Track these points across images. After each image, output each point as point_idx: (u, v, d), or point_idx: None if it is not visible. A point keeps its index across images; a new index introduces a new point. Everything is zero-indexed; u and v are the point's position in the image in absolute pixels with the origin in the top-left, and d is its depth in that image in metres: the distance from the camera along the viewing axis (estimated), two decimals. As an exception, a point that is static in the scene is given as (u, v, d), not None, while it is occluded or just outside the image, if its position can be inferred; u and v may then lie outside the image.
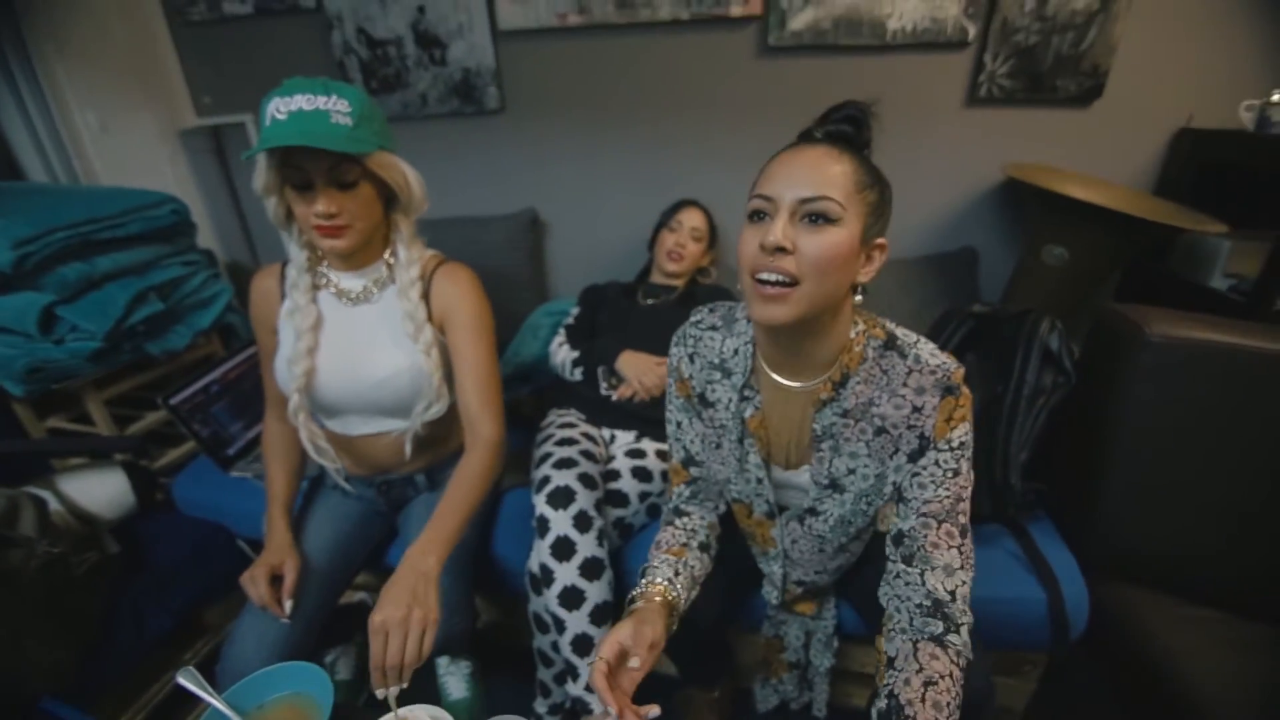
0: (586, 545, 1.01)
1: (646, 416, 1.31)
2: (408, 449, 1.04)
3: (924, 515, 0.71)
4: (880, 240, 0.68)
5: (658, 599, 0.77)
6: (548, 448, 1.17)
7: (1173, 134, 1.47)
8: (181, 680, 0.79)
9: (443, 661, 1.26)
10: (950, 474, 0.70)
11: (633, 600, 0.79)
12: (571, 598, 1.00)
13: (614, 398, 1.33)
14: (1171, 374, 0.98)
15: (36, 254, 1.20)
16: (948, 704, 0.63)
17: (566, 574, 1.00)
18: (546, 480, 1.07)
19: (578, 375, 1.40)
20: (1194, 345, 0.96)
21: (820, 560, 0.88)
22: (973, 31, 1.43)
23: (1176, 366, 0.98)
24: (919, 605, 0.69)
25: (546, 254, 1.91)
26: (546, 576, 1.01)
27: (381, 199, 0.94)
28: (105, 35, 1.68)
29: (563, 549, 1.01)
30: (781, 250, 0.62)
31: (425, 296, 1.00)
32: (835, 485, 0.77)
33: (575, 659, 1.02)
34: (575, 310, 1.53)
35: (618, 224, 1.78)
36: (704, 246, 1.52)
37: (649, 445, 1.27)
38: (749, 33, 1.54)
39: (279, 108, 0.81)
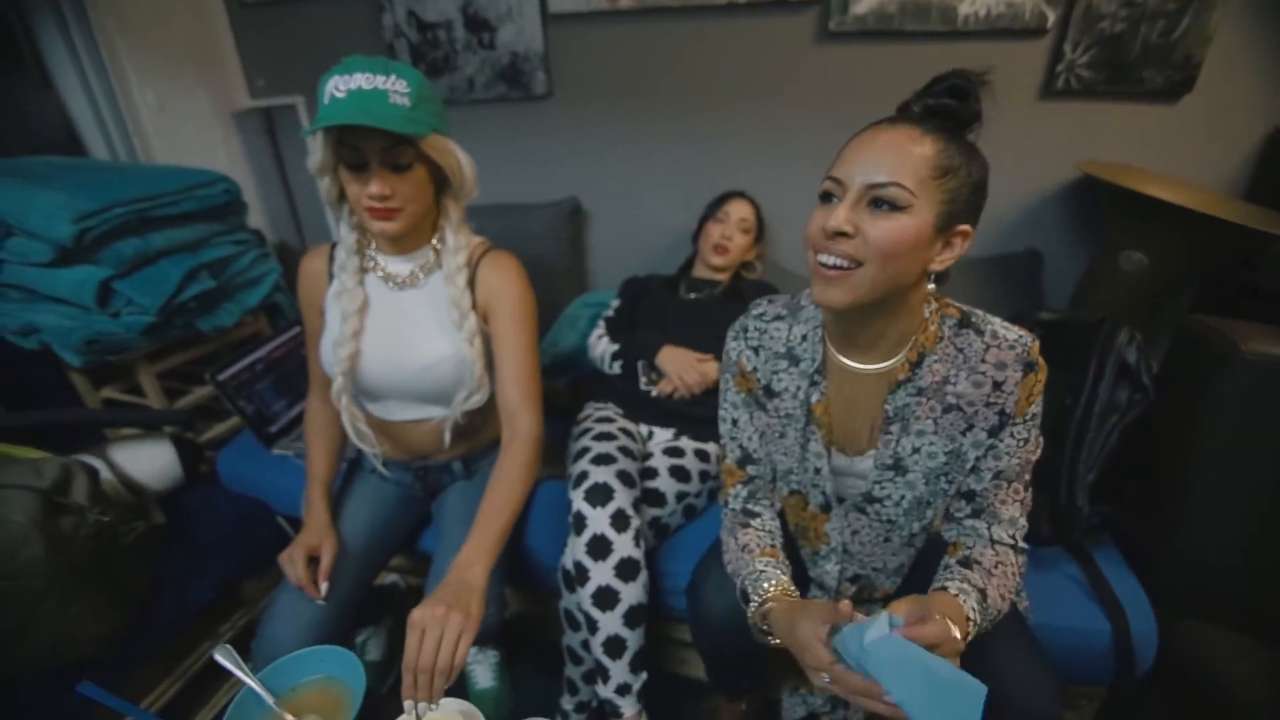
0: (623, 545, 0.99)
1: (686, 414, 1.28)
2: (447, 437, 1.03)
3: (997, 478, 0.74)
4: (963, 227, 0.65)
5: (790, 598, 0.75)
6: (585, 441, 1.15)
7: (1268, 134, 1.35)
8: (219, 658, 0.80)
9: (471, 650, 1.27)
10: (1022, 443, 0.72)
11: (754, 621, 0.76)
12: (606, 598, 0.98)
13: (653, 393, 1.29)
14: (1266, 395, 0.90)
15: (96, 229, 1.22)
16: (1013, 576, 0.73)
17: (602, 573, 0.98)
18: (585, 476, 1.04)
19: (616, 369, 1.37)
20: (1295, 365, 0.88)
21: (884, 553, 0.84)
22: (1052, 18, 1.34)
23: (1273, 388, 0.89)
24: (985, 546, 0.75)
25: (587, 244, 1.88)
26: (581, 574, 0.99)
27: (433, 183, 0.93)
28: (165, 14, 1.71)
29: (599, 548, 0.99)
30: (842, 235, 0.62)
31: (470, 283, 0.98)
32: (898, 466, 0.76)
33: (606, 660, 1.00)
34: (615, 302, 1.50)
35: (662, 215, 1.74)
36: (751, 239, 1.48)
37: (687, 444, 1.24)
38: (809, 17, 1.47)
39: (338, 85, 0.80)
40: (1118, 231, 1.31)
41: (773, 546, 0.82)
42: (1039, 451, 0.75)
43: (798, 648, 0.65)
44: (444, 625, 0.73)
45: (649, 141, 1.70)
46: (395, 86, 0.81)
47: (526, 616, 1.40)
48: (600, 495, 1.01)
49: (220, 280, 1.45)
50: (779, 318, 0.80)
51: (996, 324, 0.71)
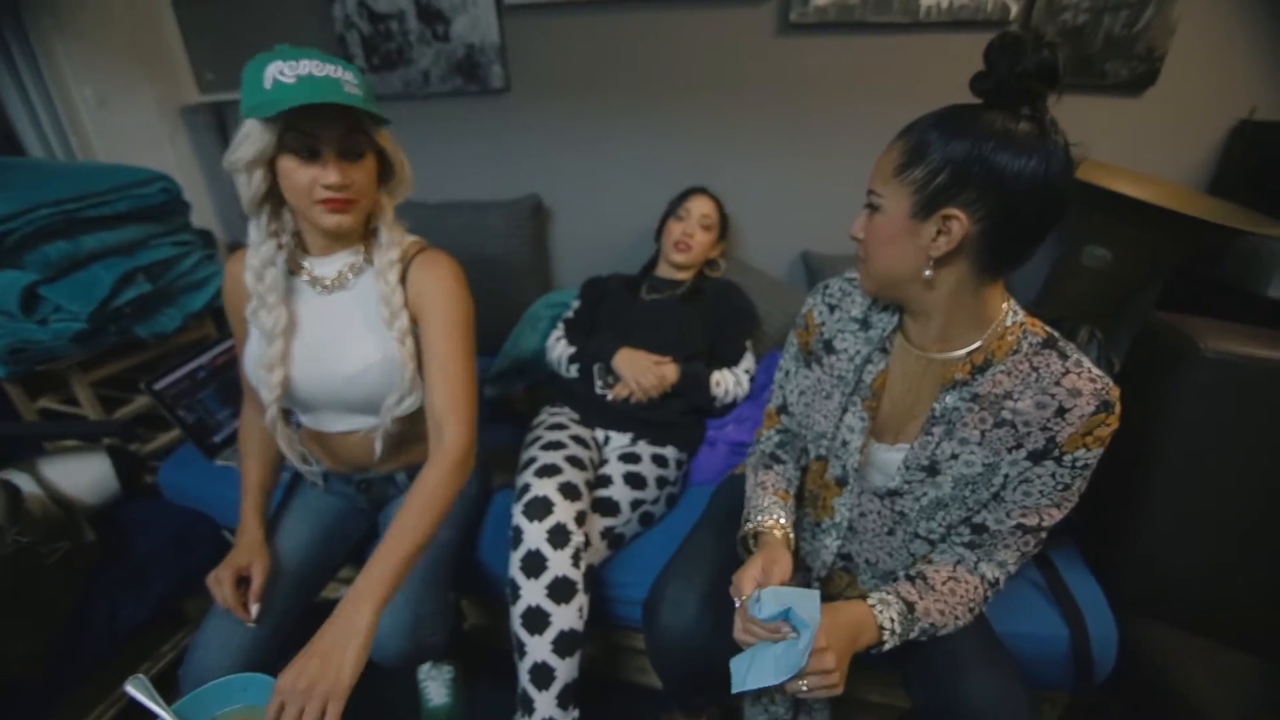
0: (559, 563, 0.94)
1: (644, 419, 1.24)
2: (377, 447, 0.96)
3: (1018, 524, 0.72)
4: (948, 210, 0.62)
5: (778, 534, 0.80)
6: (533, 451, 1.11)
7: (1232, 127, 1.34)
8: (130, 689, 0.75)
9: (424, 666, 1.22)
10: (1061, 487, 0.69)
11: (744, 538, 0.83)
12: (535, 620, 0.93)
13: (609, 398, 1.25)
14: (1226, 395, 0.88)
15: (18, 231, 1.16)
16: (965, 597, 0.74)
17: (533, 593, 0.93)
18: (526, 489, 1.00)
19: (573, 372, 1.33)
20: (1254, 364, 0.86)
21: (883, 546, 0.83)
22: (1015, 9, 1.32)
23: (1232, 387, 0.88)
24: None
25: (550, 242, 1.83)
26: (514, 592, 0.95)
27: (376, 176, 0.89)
28: (104, 9, 1.63)
29: (533, 564, 0.94)
30: (856, 239, 0.72)
31: (402, 282, 0.92)
32: (932, 468, 0.74)
33: (532, 690, 0.94)
34: (575, 304, 1.46)
35: (625, 212, 1.70)
36: (714, 236, 1.44)
37: (645, 449, 1.20)
38: (770, 9, 1.44)
39: (283, 71, 0.75)
40: (1081, 227, 1.30)
41: (786, 491, 0.87)
42: (1065, 511, 0.72)
43: (741, 568, 0.74)
44: (305, 700, 0.67)
45: (610, 136, 1.65)
46: (345, 77, 0.78)
47: (484, 628, 1.36)
48: (539, 509, 0.97)
49: (159, 284, 1.38)
50: None
51: (1082, 357, 0.68)
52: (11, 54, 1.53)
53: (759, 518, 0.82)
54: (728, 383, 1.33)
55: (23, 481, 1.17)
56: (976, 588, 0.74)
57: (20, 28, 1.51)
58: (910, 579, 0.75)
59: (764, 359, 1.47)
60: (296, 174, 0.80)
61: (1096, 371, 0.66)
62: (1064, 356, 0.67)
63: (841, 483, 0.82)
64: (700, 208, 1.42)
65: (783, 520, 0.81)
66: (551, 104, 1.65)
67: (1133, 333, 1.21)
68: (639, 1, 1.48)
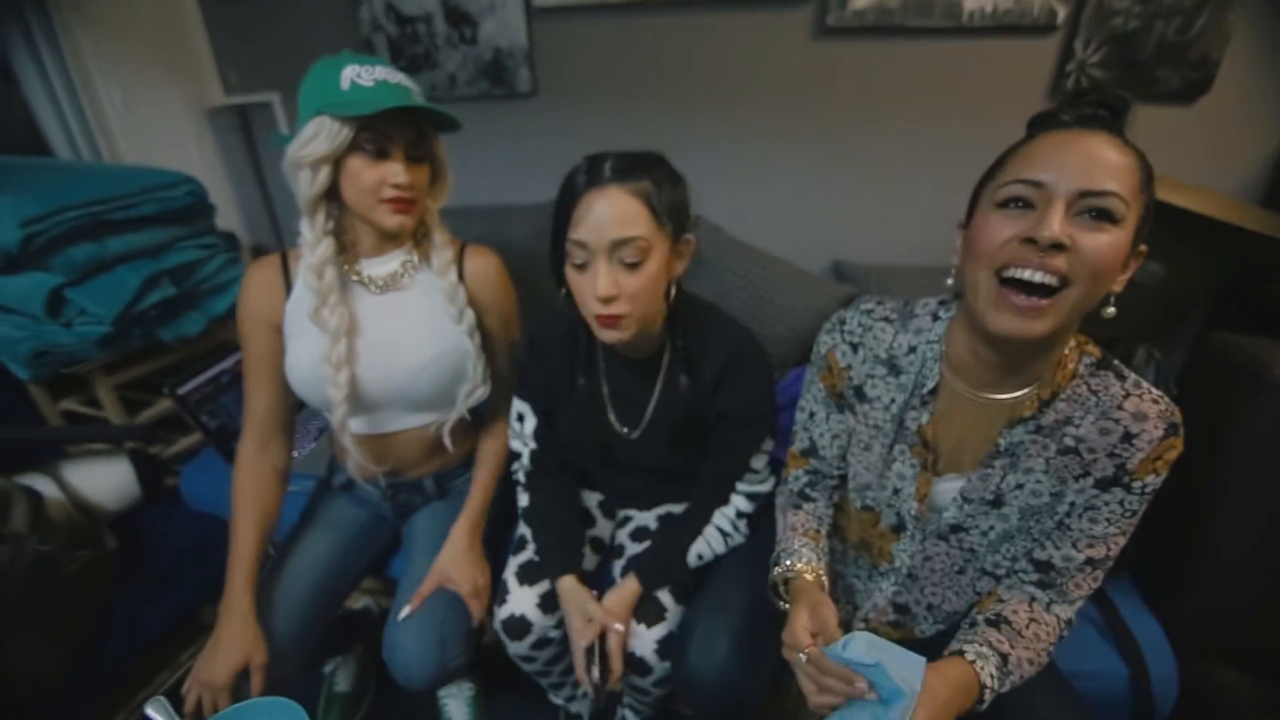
0: (543, 626, 0.96)
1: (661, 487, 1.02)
2: (448, 440, 0.98)
3: (1087, 559, 0.67)
4: (1143, 247, 0.58)
5: (810, 577, 0.74)
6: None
7: (1289, 137, 1.29)
8: (150, 712, 0.74)
9: (445, 683, 1.19)
10: (1129, 514, 0.65)
11: (775, 585, 0.77)
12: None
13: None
14: (1299, 423, 0.83)
15: (45, 233, 1.15)
16: (1047, 640, 0.67)
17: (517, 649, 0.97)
18: (523, 542, 0.99)
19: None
20: (1333, 392, 0.81)
21: (952, 586, 0.77)
22: (1063, 14, 1.27)
23: (1307, 415, 0.83)
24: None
25: (575, 248, 1.80)
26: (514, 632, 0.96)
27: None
28: (132, 8, 1.63)
29: (517, 628, 0.95)
30: (1058, 247, 0.53)
31: (459, 278, 0.96)
32: (997, 501, 0.69)
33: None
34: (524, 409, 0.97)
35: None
36: (655, 269, 0.75)
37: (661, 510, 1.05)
38: (806, 12, 1.40)
39: (360, 75, 0.80)
40: (1131, 240, 1.24)
41: (817, 530, 0.81)
42: (1127, 538, 0.67)
43: (786, 633, 0.67)
44: (477, 590, 0.96)
45: (638, 142, 1.61)
46: (412, 85, 0.84)
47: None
48: (518, 629, 0.94)
49: (183, 287, 1.37)
50: (886, 320, 0.73)
51: (1138, 377, 0.64)
52: (40, 55, 1.53)
53: (788, 560, 0.76)
54: (713, 547, 0.91)
55: (45, 485, 1.16)
56: (1054, 628, 0.69)
57: (49, 28, 1.51)
58: (992, 624, 0.68)
59: (789, 375, 1.37)
60: (365, 173, 0.82)
61: (1157, 393, 0.62)
62: (1122, 378, 0.63)
63: (898, 530, 0.77)
64: (607, 229, 0.72)
65: (814, 562, 0.75)
66: (579, 108, 1.62)
67: (1181, 352, 1.16)
68: (670, 4, 1.45)
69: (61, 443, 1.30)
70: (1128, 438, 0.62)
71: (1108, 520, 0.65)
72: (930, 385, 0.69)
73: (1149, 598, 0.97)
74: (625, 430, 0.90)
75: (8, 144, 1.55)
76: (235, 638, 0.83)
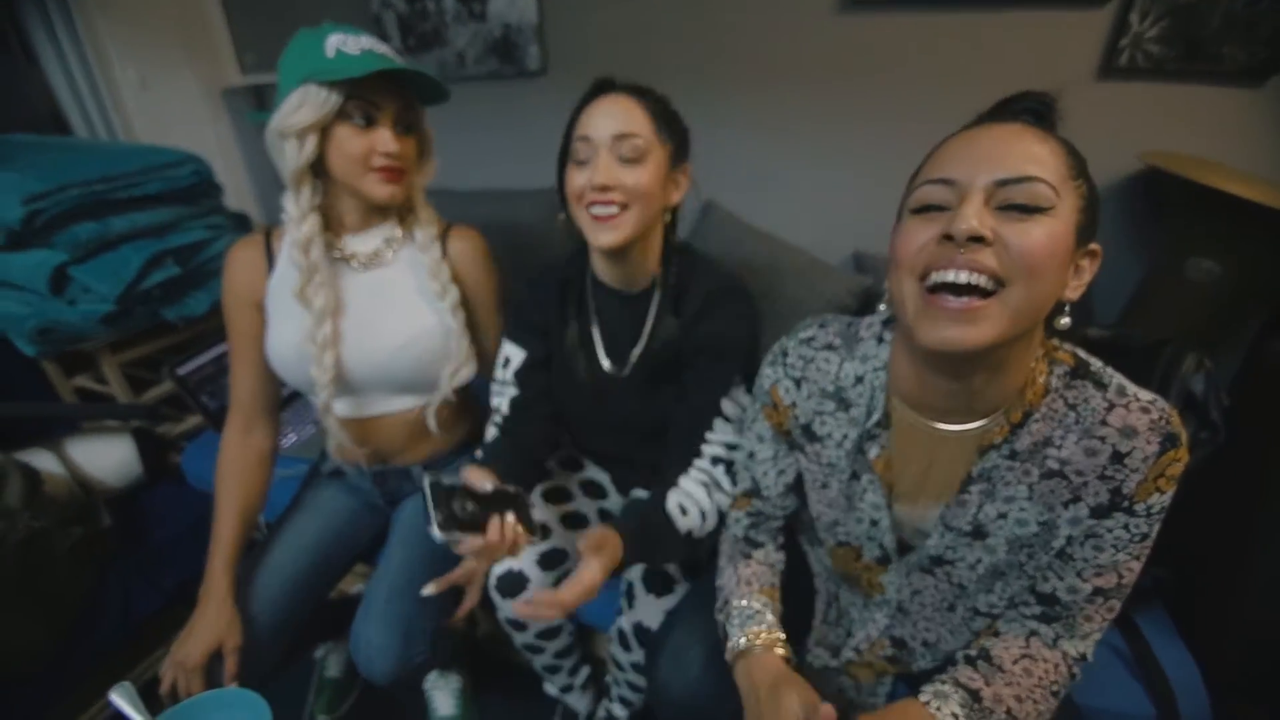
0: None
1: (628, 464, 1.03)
2: (432, 423, 0.95)
3: (1094, 589, 0.59)
4: (1093, 246, 0.53)
5: (779, 651, 0.67)
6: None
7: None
8: (115, 698, 0.72)
9: (431, 675, 1.18)
10: (1139, 539, 0.57)
11: (741, 651, 0.68)
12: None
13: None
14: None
15: (48, 211, 1.15)
16: (1045, 678, 0.60)
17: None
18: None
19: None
20: None
21: (943, 624, 0.70)
22: (1114, -17, 1.15)
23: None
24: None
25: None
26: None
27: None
28: (149, -11, 1.64)
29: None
30: (978, 241, 0.47)
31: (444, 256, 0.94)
32: (978, 532, 0.62)
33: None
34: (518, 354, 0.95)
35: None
36: (655, 170, 0.78)
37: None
38: (830, -16, 1.31)
39: (345, 42, 0.78)
40: (1185, 235, 1.13)
41: (772, 585, 0.75)
42: (1144, 560, 0.60)
43: (769, 711, 0.61)
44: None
45: (651, 124, 1.55)
46: (398, 57, 0.82)
47: (496, 636, 1.30)
48: (513, 586, 0.91)
49: (188, 267, 1.37)
50: (830, 348, 0.67)
51: (1121, 379, 0.57)
52: (57, 35, 1.55)
53: (752, 627, 0.68)
54: (700, 505, 0.81)
55: (48, 461, 1.17)
56: (1057, 666, 0.62)
57: (65, 8, 1.52)
58: (970, 661, 0.63)
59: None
60: (352, 141, 0.80)
61: (1147, 397, 0.55)
62: (1102, 385, 0.56)
63: (884, 561, 0.70)
64: (611, 123, 0.76)
65: (776, 631, 0.69)
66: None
67: (1234, 360, 1.05)
68: (687, -22, 1.38)
69: (65, 420, 1.31)
70: (1118, 458, 0.54)
71: (1114, 547, 0.58)
72: (876, 418, 0.63)
73: (1184, 632, 0.88)
74: (614, 368, 0.90)
75: (30, 123, 1.57)
76: (211, 620, 0.83)
